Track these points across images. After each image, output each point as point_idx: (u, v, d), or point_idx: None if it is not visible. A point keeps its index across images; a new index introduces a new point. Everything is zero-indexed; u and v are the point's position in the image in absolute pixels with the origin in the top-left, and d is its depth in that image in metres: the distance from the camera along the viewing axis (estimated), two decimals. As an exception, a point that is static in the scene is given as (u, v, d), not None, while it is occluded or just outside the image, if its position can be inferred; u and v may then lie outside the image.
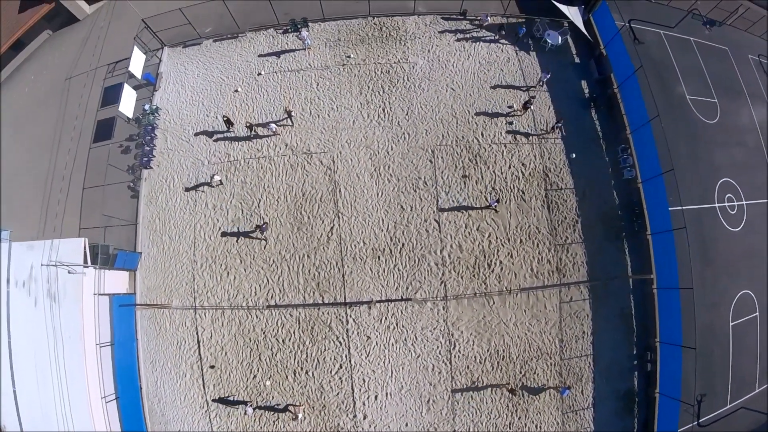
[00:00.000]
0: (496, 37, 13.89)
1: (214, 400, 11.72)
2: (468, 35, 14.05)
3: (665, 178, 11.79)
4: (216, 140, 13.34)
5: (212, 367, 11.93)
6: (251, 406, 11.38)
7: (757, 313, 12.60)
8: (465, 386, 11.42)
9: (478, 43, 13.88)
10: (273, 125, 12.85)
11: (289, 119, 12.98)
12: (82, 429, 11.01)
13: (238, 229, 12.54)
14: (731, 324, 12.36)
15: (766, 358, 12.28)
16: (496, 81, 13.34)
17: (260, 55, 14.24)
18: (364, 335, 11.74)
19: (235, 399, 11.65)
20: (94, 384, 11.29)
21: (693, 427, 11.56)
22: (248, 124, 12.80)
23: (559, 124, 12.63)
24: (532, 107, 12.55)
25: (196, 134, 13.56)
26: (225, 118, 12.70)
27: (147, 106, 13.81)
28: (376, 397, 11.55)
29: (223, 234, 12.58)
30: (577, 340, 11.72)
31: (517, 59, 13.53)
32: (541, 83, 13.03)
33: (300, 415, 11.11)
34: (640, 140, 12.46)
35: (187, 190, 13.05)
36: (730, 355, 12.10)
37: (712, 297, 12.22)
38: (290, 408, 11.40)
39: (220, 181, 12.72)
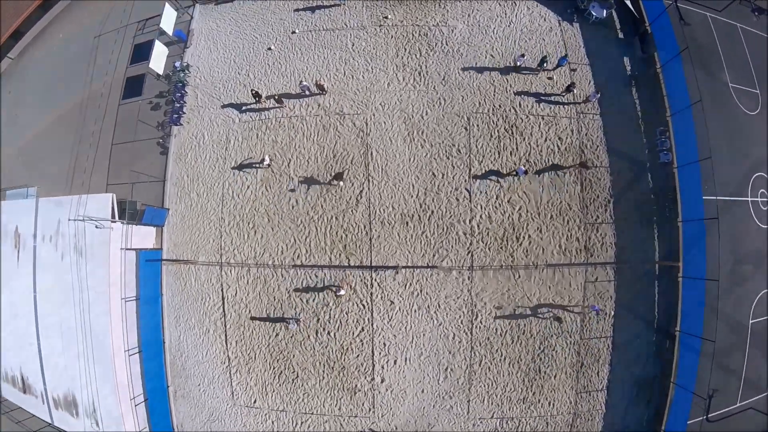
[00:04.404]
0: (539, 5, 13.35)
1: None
2: (510, 1, 13.48)
3: (701, 166, 11.44)
4: (247, 99, 13.12)
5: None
6: (294, 319, 11.59)
7: (777, 314, 12.39)
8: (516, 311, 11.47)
9: (520, 10, 13.36)
10: (307, 85, 12.48)
11: (321, 91, 12.69)
12: (104, 382, 11.35)
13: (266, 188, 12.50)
14: (750, 321, 12.17)
15: (779, 361, 12.11)
16: (537, 51, 12.85)
17: (296, 10, 13.83)
18: (387, 300, 11.80)
19: (275, 316, 11.92)
20: (118, 337, 11.54)
21: (701, 421, 11.49)
22: (276, 97, 12.50)
23: (595, 98, 12.15)
24: (575, 90, 12.18)
25: (227, 92, 13.42)
26: (253, 92, 12.47)
27: (178, 63, 13.68)
28: (395, 362, 11.68)
29: (253, 193, 12.56)
30: (598, 321, 11.65)
31: (559, 29, 13.02)
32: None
33: (342, 292, 11.47)
34: (680, 124, 12.04)
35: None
36: (746, 353, 11.94)
37: (735, 291, 11.97)
38: (333, 287, 11.71)
39: (269, 164, 12.37)
